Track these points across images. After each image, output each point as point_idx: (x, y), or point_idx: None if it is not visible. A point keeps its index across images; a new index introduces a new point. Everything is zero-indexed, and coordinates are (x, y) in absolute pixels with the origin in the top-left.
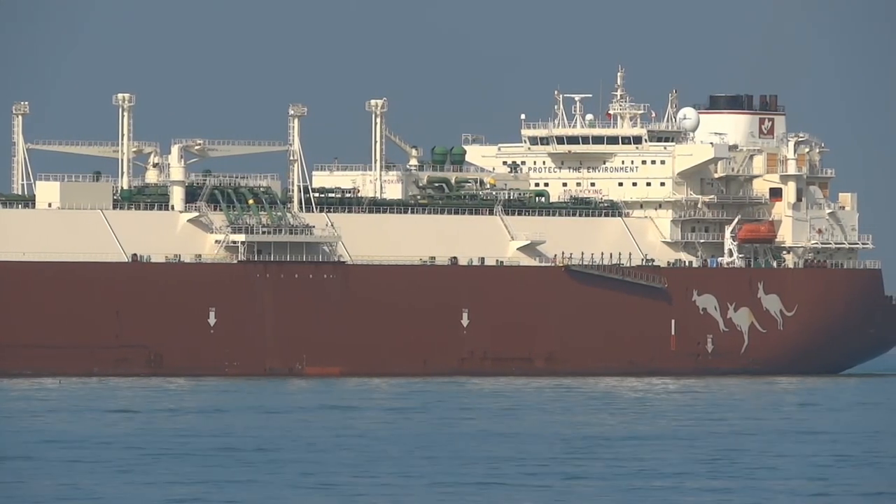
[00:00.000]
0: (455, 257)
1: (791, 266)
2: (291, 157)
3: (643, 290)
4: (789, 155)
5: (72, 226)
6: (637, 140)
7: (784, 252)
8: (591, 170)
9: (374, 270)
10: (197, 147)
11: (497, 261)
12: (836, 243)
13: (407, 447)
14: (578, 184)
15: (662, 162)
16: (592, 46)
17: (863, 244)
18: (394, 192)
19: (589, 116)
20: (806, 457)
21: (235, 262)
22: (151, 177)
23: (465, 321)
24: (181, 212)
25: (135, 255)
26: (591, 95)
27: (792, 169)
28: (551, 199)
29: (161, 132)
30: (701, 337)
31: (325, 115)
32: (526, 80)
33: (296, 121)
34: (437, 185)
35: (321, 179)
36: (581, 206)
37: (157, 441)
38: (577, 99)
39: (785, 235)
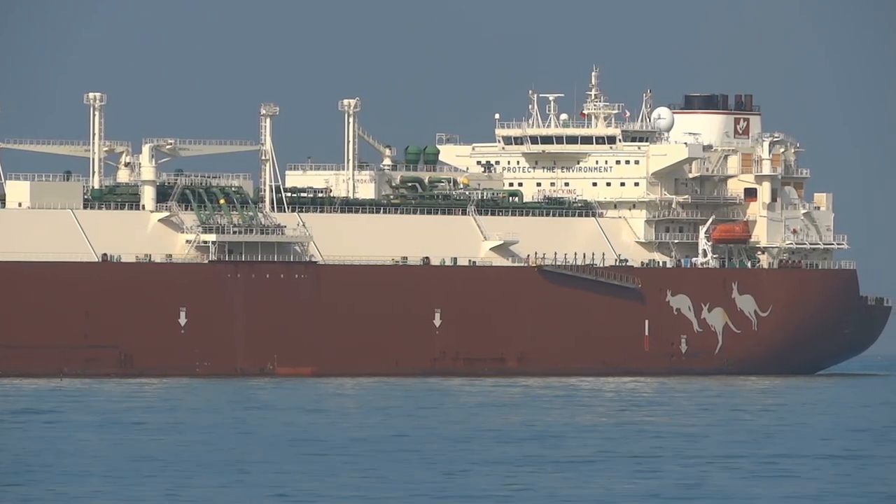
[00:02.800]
0: (427, 257)
1: (766, 266)
2: (263, 157)
3: (617, 291)
4: (764, 155)
5: (42, 225)
6: (611, 140)
7: (759, 252)
8: (565, 170)
9: (346, 270)
10: (168, 147)
11: (470, 261)
12: (811, 244)
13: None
14: (552, 184)
15: (636, 162)
16: (567, 46)
17: (838, 244)
18: (367, 191)
19: (563, 116)
20: None
21: (206, 261)
22: (123, 176)
23: (437, 321)
24: (152, 211)
25: (105, 254)
26: (564, 95)
27: (767, 169)
28: (525, 199)
29: (133, 131)
30: (675, 337)
31: (298, 114)
32: (500, 79)
33: (267, 120)
34: (410, 184)
35: (294, 179)
36: (554, 206)
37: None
38: (551, 99)
39: (760, 236)
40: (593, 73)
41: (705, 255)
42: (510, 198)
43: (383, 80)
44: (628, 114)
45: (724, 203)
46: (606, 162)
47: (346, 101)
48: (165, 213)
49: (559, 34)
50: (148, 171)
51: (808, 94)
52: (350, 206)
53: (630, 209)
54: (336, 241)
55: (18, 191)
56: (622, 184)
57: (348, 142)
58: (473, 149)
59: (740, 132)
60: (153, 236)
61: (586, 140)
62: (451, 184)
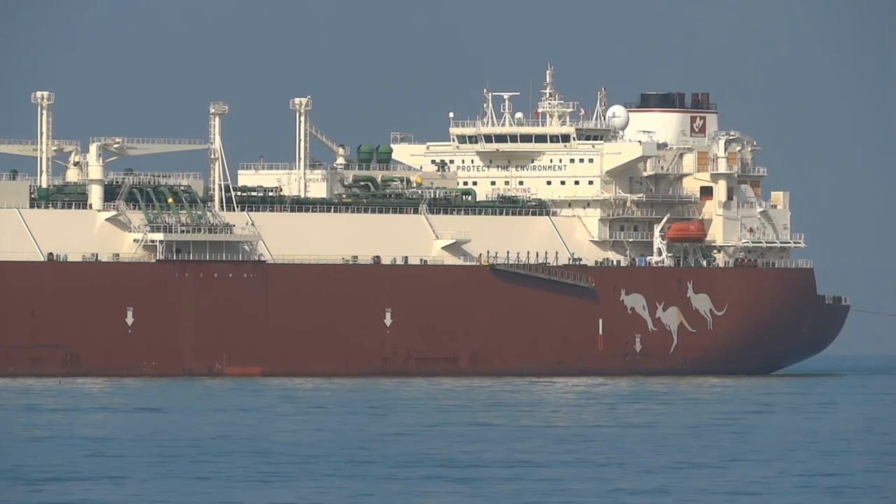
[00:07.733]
0: (378, 256)
1: (721, 265)
2: (212, 156)
3: (570, 290)
4: (720, 153)
5: None
6: (565, 138)
7: (714, 251)
8: (519, 168)
9: (295, 270)
10: (115, 146)
11: (421, 260)
12: (767, 242)
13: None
14: (507, 182)
15: (591, 160)
16: (522, 44)
17: (795, 243)
18: (318, 190)
19: (518, 115)
20: None
21: (154, 261)
22: (72, 175)
23: (388, 321)
24: (99, 210)
25: (51, 254)
26: (519, 94)
27: (723, 167)
28: (479, 198)
29: (82, 130)
30: (629, 337)
31: (249, 113)
32: (455, 78)
33: (216, 119)
34: (362, 183)
35: (247, 178)
36: (508, 205)
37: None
38: (506, 97)
39: (715, 234)
40: (548, 72)
41: (660, 253)
42: (463, 196)
43: (336, 78)
44: (584, 112)
45: (679, 201)
46: (561, 160)
47: (297, 100)
48: (113, 213)
49: (514, 33)
50: (95, 169)
51: (765, 93)
52: (300, 205)
53: (584, 208)
54: (285, 240)
55: None
56: (576, 182)
57: (300, 141)
58: (428, 148)
59: (696, 130)
60: (100, 235)
61: (540, 138)
62: (405, 183)
